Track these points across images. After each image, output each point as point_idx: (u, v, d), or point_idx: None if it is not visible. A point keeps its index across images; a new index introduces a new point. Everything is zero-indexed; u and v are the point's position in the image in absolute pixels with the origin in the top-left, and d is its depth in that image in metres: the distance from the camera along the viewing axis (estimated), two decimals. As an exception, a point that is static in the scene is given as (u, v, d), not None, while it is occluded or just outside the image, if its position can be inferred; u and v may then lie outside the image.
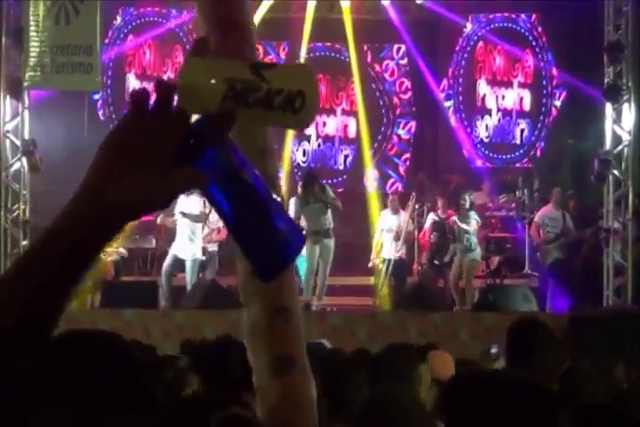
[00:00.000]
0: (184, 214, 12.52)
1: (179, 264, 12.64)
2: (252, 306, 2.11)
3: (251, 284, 2.14)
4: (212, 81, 1.24)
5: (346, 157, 17.18)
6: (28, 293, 1.18)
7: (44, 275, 1.18)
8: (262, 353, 1.60)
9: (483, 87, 16.54)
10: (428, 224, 13.72)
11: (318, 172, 13.50)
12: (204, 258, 13.07)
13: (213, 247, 13.23)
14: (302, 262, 12.54)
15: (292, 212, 12.23)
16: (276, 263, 1.26)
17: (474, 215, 13.07)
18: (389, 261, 13.15)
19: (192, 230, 12.63)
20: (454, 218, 13.04)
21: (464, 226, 12.94)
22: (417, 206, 14.17)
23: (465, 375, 2.58)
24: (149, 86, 1.26)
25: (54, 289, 1.20)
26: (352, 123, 17.06)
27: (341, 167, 17.15)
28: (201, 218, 12.65)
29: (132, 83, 16.12)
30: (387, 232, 13.25)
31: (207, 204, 12.41)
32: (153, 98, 1.22)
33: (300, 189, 12.60)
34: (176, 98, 1.23)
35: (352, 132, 17.15)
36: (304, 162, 16.96)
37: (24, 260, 1.21)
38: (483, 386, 2.25)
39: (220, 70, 1.25)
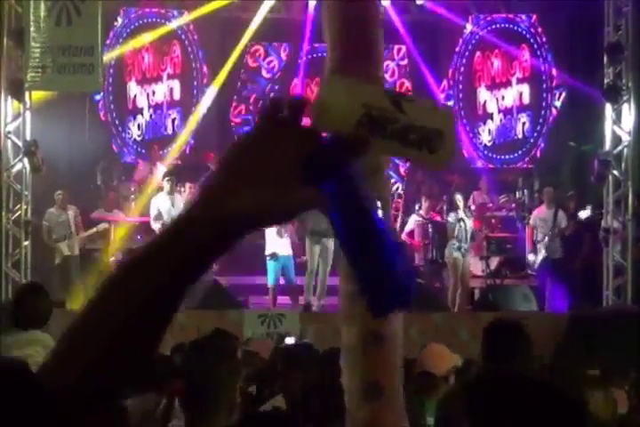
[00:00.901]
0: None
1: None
2: (350, 327, 2.07)
3: (352, 306, 2.10)
4: (350, 103, 1.20)
5: None
6: (141, 295, 1.18)
7: (156, 276, 1.18)
8: (354, 376, 1.57)
9: (483, 94, 16.55)
10: (411, 225, 13.76)
11: None
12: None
13: None
14: (285, 261, 12.68)
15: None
16: (391, 304, 1.23)
17: (468, 215, 13.17)
18: None
19: None
20: (454, 217, 13.03)
21: (467, 224, 13.02)
22: (416, 206, 14.30)
23: (489, 376, 2.48)
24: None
25: (166, 292, 1.20)
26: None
27: None
28: None
29: (133, 90, 16.14)
30: None
31: None
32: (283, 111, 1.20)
33: None
34: (308, 114, 1.20)
35: None
36: None
37: (137, 260, 1.20)
38: (511, 388, 2.21)
39: (358, 93, 1.21)
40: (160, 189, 12.99)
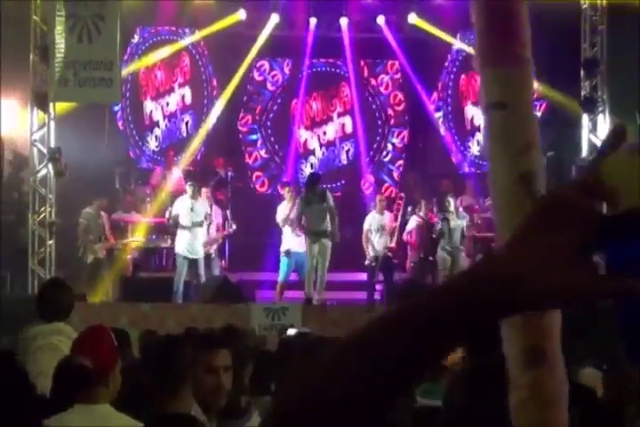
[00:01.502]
0: (182, 226, 12.61)
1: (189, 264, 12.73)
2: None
3: None
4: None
5: (347, 151, 17.05)
6: (386, 365, 1.00)
7: (409, 344, 1.01)
8: (515, 341, 1.48)
9: (470, 109, 16.45)
10: (412, 225, 13.77)
11: (320, 175, 13.48)
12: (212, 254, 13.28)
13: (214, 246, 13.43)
14: (299, 258, 12.62)
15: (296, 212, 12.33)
16: None
17: (460, 215, 13.16)
18: (377, 258, 13.19)
19: (198, 230, 12.77)
20: (440, 217, 13.07)
21: (459, 224, 13.01)
22: (409, 208, 14.28)
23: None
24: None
25: (415, 362, 1.01)
26: (348, 120, 16.98)
27: (345, 162, 17.04)
28: (202, 222, 12.74)
29: (149, 106, 16.17)
30: (375, 232, 13.26)
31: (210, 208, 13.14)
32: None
33: (303, 190, 12.70)
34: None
35: (349, 128, 17.06)
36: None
37: (391, 323, 1.03)
38: None
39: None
40: (183, 192, 12.99)
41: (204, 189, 13.24)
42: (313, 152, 17.01)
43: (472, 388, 2.56)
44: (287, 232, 12.86)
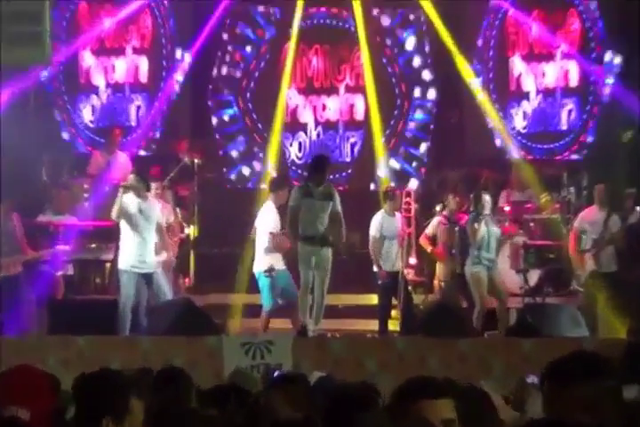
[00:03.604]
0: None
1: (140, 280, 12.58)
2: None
3: None
4: None
5: (353, 145, 16.89)
6: None
7: None
8: None
9: (517, 65, 16.44)
10: (436, 229, 13.72)
11: (329, 160, 13.20)
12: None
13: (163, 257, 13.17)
14: (283, 277, 12.59)
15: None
16: None
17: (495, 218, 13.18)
18: (396, 274, 13.04)
19: (148, 236, 12.55)
20: (474, 219, 12.90)
21: (495, 230, 12.88)
22: (437, 206, 14.24)
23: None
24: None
25: None
26: (359, 102, 16.85)
27: (348, 159, 16.92)
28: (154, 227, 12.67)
29: (88, 61, 16.38)
30: (387, 239, 13.13)
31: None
32: None
33: (304, 178, 12.63)
34: None
35: (360, 114, 16.87)
36: (300, 158, 16.81)
37: None
38: None
39: None
40: (127, 188, 12.67)
41: (153, 186, 12.95)
42: (304, 128, 16.84)
43: None
44: (263, 244, 12.73)
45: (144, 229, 12.42)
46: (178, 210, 13.85)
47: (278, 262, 12.73)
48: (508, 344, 11.47)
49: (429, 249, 13.75)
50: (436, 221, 13.87)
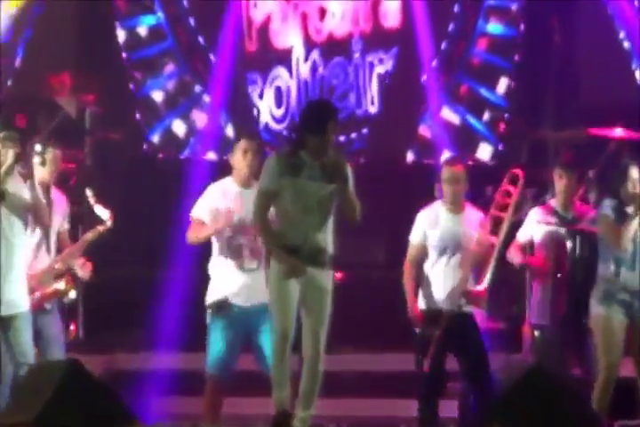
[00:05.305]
0: None
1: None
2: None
3: None
4: None
5: (381, 79, 13.67)
6: None
7: None
8: None
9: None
10: (534, 232, 10.60)
11: (334, 107, 9.77)
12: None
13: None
14: (247, 319, 9.90)
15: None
16: None
17: None
18: (455, 317, 10.12)
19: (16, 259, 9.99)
20: (610, 208, 9.98)
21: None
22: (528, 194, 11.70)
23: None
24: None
25: None
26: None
27: (372, 108, 13.69)
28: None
29: None
30: (447, 255, 10.16)
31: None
32: None
33: (290, 141, 9.37)
34: None
35: (392, 18, 13.52)
36: (279, 118, 14.09)
37: None
38: None
39: None
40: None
41: (10, 153, 9.99)
42: (285, 58, 14.00)
43: None
44: (224, 262, 9.75)
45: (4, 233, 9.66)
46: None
47: (244, 290, 9.51)
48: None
49: (519, 259, 10.48)
50: (534, 218, 10.38)
